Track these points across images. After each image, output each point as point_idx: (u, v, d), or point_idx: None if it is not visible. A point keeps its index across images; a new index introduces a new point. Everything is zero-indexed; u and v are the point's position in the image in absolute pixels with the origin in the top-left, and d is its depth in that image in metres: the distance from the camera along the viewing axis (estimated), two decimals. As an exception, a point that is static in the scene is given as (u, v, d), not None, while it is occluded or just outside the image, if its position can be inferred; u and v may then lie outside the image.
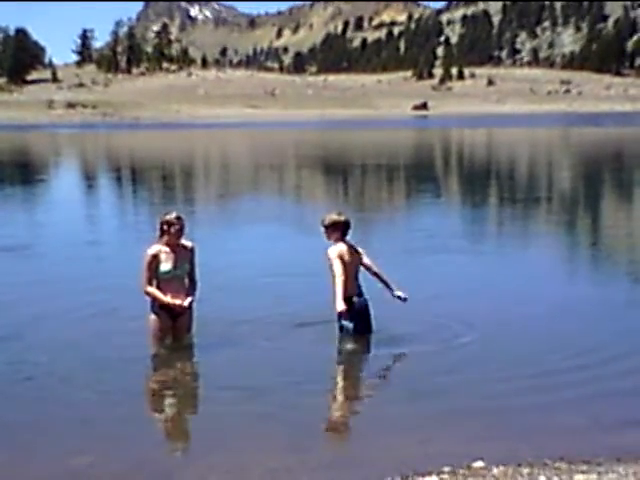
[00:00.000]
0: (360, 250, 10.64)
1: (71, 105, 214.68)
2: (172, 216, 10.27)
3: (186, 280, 10.36)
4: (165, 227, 10.21)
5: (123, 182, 42.19)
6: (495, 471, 6.64)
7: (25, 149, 76.01)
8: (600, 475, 6.52)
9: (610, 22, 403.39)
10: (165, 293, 10.16)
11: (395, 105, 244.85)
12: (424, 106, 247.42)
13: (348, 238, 10.57)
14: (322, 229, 10.55)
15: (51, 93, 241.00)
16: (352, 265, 10.40)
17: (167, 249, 10.21)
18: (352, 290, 10.38)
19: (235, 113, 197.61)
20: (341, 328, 10.43)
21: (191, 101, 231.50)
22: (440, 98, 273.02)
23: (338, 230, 10.44)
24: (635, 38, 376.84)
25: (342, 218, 10.52)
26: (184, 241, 10.37)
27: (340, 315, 10.31)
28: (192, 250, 10.44)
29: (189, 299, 10.28)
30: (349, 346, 10.36)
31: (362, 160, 54.20)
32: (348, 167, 48.65)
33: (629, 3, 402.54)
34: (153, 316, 10.29)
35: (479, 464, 6.79)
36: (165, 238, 10.22)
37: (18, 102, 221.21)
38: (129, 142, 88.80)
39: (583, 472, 6.61)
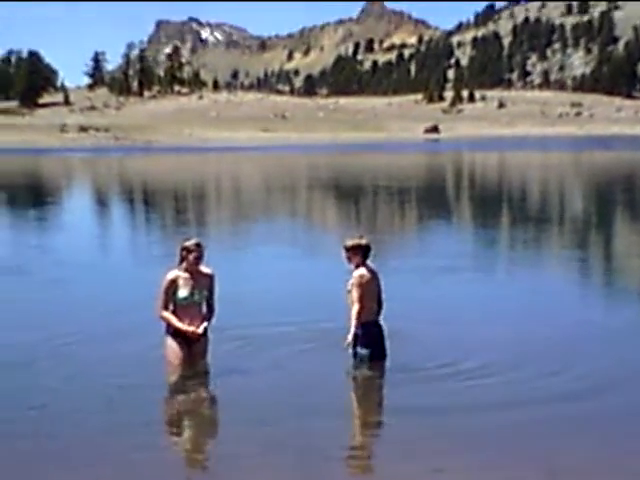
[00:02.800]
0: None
1: (83, 128, 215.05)
2: (191, 242, 10.35)
3: (204, 307, 10.43)
4: (184, 253, 10.28)
5: (136, 206, 42.24)
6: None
7: (37, 173, 76.17)
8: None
9: (621, 44, 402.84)
10: (181, 319, 10.21)
11: (406, 128, 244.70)
12: (435, 129, 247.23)
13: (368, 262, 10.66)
14: (343, 252, 10.63)
15: (63, 116, 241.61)
16: (371, 291, 10.48)
17: (186, 275, 10.28)
18: (370, 316, 10.45)
19: (246, 136, 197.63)
20: (355, 354, 10.50)
21: (203, 124, 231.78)
22: (451, 121, 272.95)
23: (359, 254, 10.51)
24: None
25: (363, 242, 10.59)
26: (203, 268, 10.44)
27: (355, 342, 10.39)
28: (211, 277, 10.50)
29: (203, 325, 10.31)
30: (363, 372, 10.39)
31: (375, 184, 54.18)
32: (361, 191, 48.64)
33: (639, 24, 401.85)
34: (169, 341, 10.35)
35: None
36: (184, 264, 10.30)
37: (30, 125, 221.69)
38: (141, 166, 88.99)
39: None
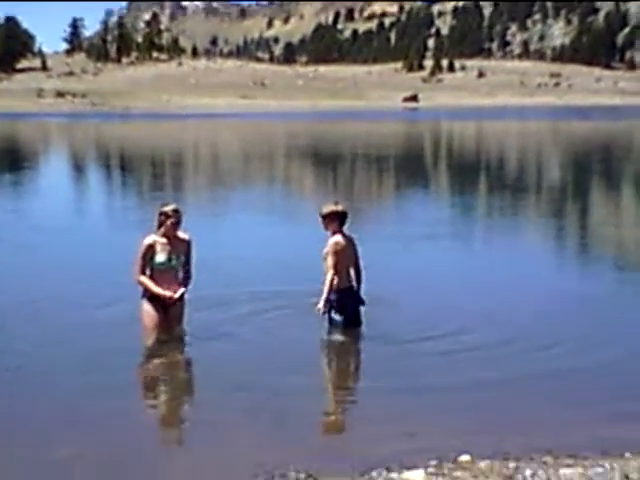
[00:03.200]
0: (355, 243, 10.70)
1: (60, 94, 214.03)
2: (169, 208, 10.28)
3: (180, 272, 10.39)
4: (162, 218, 10.22)
5: (113, 172, 42.09)
6: (481, 465, 6.66)
7: (13, 138, 75.76)
8: (586, 469, 6.55)
9: (601, 15, 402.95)
10: (158, 284, 10.17)
11: (385, 97, 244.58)
12: (414, 98, 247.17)
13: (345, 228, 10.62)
14: (320, 219, 10.56)
15: (40, 82, 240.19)
16: (347, 258, 10.45)
17: (163, 240, 10.23)
18: (345, 282, 10.43)
19: (225, 103, 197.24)
20: (330, 320, 10.47)
21: (181, 91, 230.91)
22: (430, 90, 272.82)
23: (336, 220, 10.46)
24: (625, 31, 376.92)
25: (339, 208, 10.54)
26: (181, 233, 10.39)
27: (330, 307, 10.36)
28: (189, 243, 10.45)
29: (180, 291, 10.29)
30: (338, 338, 10.37)
31: (353, 152, 54.12)
32: (339, 159, 48.62)
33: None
34: (145, 306, 10.30)
35: (465, 458, 6.81)
36: (162, 229, 10.24)
37: (7, 90, 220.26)
38: (119, 132, 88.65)
39: (569, 466, 6.64)
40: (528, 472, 6.50)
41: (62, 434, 7.66)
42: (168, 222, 10.21)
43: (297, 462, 6.68)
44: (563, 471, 6.53)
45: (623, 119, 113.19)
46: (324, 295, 10.28)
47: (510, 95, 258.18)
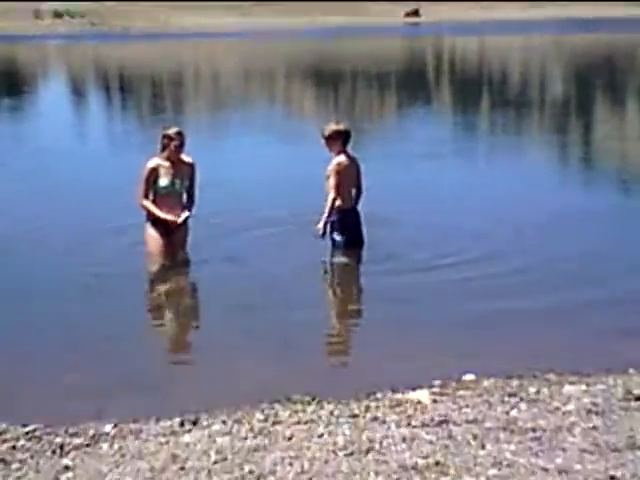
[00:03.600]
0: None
1: (58, 14, 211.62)
2: (173, 130, 10.26)
3: (184, 196, 10.38)
4: (166, 141, 10.18)
5: (113, 94, 41.81)
6: (485, 383, 6.71)
7: (10, 60, 75.11)
8: (589, 386, 6.60)
9: None
10: (161, 208, 10.16)
11: (386, 11, 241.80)
12: (416, 13, 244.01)
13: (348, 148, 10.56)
14: (322, 140, 10.50)
15: (38, 2, 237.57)
16: (350, 178, 10.41)
17: (167, 163, 10.20)
18: (348, 203, 10.41)
19: (225, 22, 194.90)
20: (333, 241, 10.47)
21: (180, 10, 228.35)
22: (432, 4, 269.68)
23: (339, 140, 10.39)
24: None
25: (342, 127, 10.48)
26: (184, 156, 10.35)
27: (332, 228, 10.36)
28: (192, 166, 10.42)
29: (184, 215, 10.26)
30: (340, 259, 10.40)
31: (353, 70, 53.64)
32: (339, 77, 48.16)
33: None
34: (149, 230, 10.30)
35: (469, 377, 6.86)
36: (165, 152, 10.20)
37: (4, 12, 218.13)
38: (118, 53, 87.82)
39: (572, 383, 6.69)
40: (532, 390, 6.55)
41: (67, 359, 7.71)
42: (172, 145, 10.18)
43: (301, 385, 6.72)
44: (566, 388, 6.58)
45: (627, 32, 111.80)
46: (324, 216, 10.25)
47: (511, 8, 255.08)
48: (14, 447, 5.68)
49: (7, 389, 7.06)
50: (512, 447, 5.46)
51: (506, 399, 6.36)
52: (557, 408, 6.15)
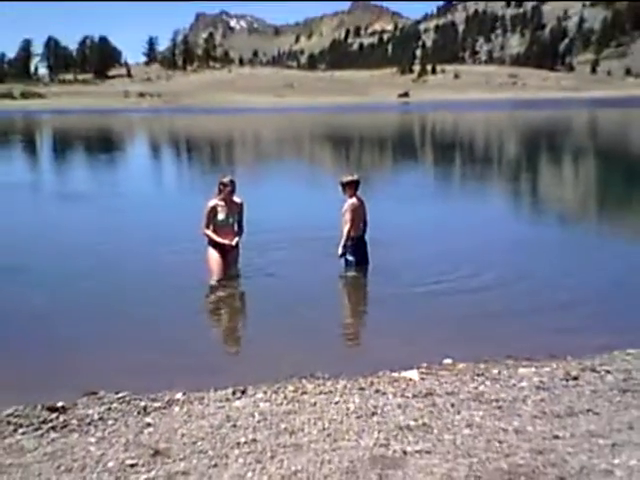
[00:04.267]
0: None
1: (141, 94, 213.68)
2: (227, 179, 10.40)
3: (236, 226, 10.46)
4: (221, 187, 10.34)
5: (181, 151, 42.08)
6: (460, 366, 6.69)
7: (106, 127, 75.75)
8: (537, 369, 6.57)
9: (547, 30, 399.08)
10: (219, 235, 10.29)
11: (385, 94, 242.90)
12: (406, 94, 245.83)
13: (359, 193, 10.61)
14: (340, 187, 10.57)
15: (126, 85, 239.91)
16: (360, 214, 10.49)
17: (222, 203, 10.32)
18: (358, 232, 10.48)
19: (265, 101, 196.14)
20: (345, 260, 10.50)
21: (231, 91, 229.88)
22: (418, 88, 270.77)
23: (352, 187, 10.50)
24: (565, 42, 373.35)
25: (355, 178, 10.59)
26: (236, 198, 10.46)
27: (345, 251, 10.41)
28: (241, 205, 10.52)
29: (236, 239, 10.38)
30: (351, 274, 10.40)
31: (360, 134, 53.95)
32: (350, 139, 48.43)
33: (561, 15, 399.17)
34: (209, 252, 10.38)
35: (448, 361, 6.85)
36: (221, 195, 10.33)
37: (101, 92, 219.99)
38: (185, 123, 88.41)
39: (525, 367, 6.66)
40: (494, 371, 6.53)
41: (148, 344, 7.72)
42: (226, 190, 10.32)
43: (322, 366, 6.72)
44: (521, 370, 6.55)
45: (564, 109, 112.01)
46: (342, 242, 10.36)
47: (479, 92, 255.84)
48: (109, 409, 5.69)
49: (104, 365, 7.09)
50: (480, 413, 5.45)
51: (475, 378, 6.34)
52: (514, 385, 6.13)
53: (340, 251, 10.41)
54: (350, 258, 10.47)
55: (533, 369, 6.58)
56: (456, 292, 9.53)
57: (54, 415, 5.50)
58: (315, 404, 5.69)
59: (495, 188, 22.50)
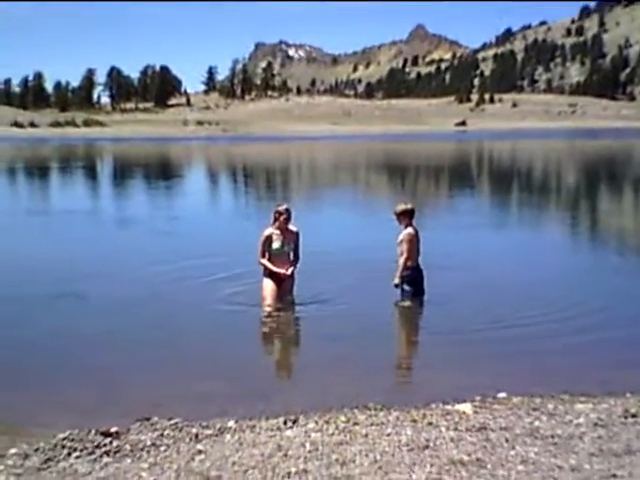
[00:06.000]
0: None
1: (200, 123, 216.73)
2: (282, 207, 10.44)
3: (291, 255, 10.48)
4: (277, 215, 10.38)
5: (239, 179, 42.47)
6: (514, 400, 6.60)
7: (166, 155, 76.97)
8: (595, 405, 6.44)
9: (608, 59, 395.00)
10: (274, 264, 10.33)
11: (442, 123, 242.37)
12: (464, 123, 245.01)
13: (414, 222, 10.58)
14: (394, 216, 10.54)
15: (185, 114, 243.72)
16: (415, 244, 10.43)
17: (278, 232, 10.37)
18: (414, 262, 10.41)
19: (321, 129, 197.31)
20: (401, 290, 10.43)
21: (289, 120, 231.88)
22: (476, 117, 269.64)
23: (407, 216, 10.46)
24: (627, 71, 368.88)
25: (409, 207, 10.53)
26: (291, 226, 10.49)
27: (402, 281, 10.34)
28: (297, 234, 10.55)
29: (291, 269, 10.43)
30: (406, 304, 10.32)
31: (417, 163, 53.87)
32: (407, 168, 48.37)
33: (622, 43, 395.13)
34: (265, 281, 10.43)
35: (502, 395, 6.75)
36: (277, 224, 10.38)
37: (161, 121, 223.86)
38: (243, 151, 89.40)
39: (582, 402, 6.53)
40: (550, 406, 6.42)
41: (202, 372, 7.73)
42: (281, 218, 10.35)
43: (375, 396, 6.68)
44: (577, 406, 6.43)
45: (624, 139, 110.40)
46: (399, 272, 10.30)
47: (537, 121, 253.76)
48: (162, 435, 5.72)
49: (157, 391, 7.15)
50: (535, 449, 5.35)
51: (531, 412, 6.24)
52: (570, 421, 6.01)
53: (396, 281, 10.35)
54: (407, 288, 10.40)
55: (590, 405, 6.44)
56: (511, 325, 9.39)
57: (107, 440, 5.56)
58: (367, 435, 5.64)
59: (553, 217, 22.22)
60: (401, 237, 10.37)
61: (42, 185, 37.98)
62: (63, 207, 25.64)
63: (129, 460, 5.25)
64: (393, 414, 6.17)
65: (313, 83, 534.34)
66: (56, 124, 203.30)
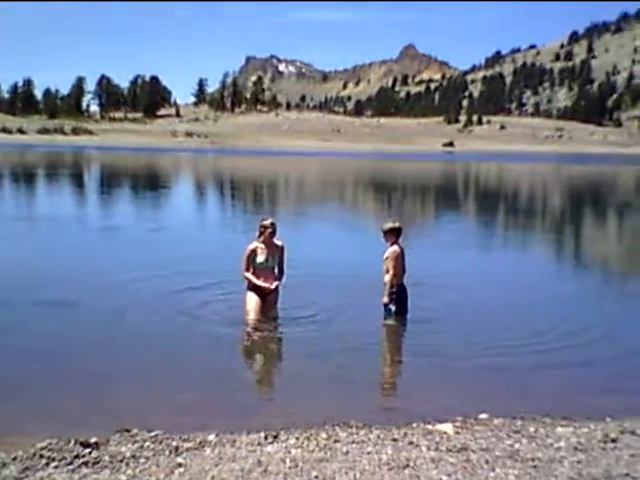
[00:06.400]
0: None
1: (189, 134, 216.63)
2: (268, 222, 10.45)
3: (276, 269, 10.48)
4: (262, 229, 10.39)
5: (224, 192, 42.42)
6: (496, 422, 6.60)
7: (155, 165, 76.85)
8: (575, 429, 6.46)
9: (595, 85, 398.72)
10: (258, 278, 10.34)
11: (429, 143, 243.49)
12: (451, 144, 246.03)
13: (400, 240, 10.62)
14: (381, 233, 10.57)
15: (174, 125, 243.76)
16: (400, 262, 10.44)
17: (262, 246, 10.39)
18: (399, 280, 10.44)
19: (310, 145, 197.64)
20: (387, 309, 10.43)
21: (277, 134, 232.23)
22: (464, 138, 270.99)
23: (394, 234, 10.50)
24: (614, 97, 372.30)
25: (397, 225, 10.57)
26: (276, 240, 10.50)
27: (390, 300, 10.36)
28: (282, 248, 10.57)
29: (275, 283, 10.44)
30: (390, 322, 10.33)
31: (404, 182, 54.02)
32: (394, 187, 48.47)
33: (610, 70, 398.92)
34: (248, 295, 10.42)
35: (484, 416, 6.75)
36: (262, 237, 10.39)
37: (150, 131, 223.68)
38: (230, 164, 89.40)
39: (562, 426, 6.55)
40: (531, 429, 6.43)
41: (180, 384, 7.68)
42: (266, 232, 10.37)
43: (356, 414, 6.67)
44: (558, 429, 6.44)
45: (610, 164, 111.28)
46: (387, 291, 10.32)
47: (524, 144, 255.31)
48: (142, 446, 5.70)
49: (138, 402, 7.11)
50: (515, 472, 5.36)
51: (512, 434, 6.25)
52: (551, 444, 6.03)
53: (386, 300, 10.37)
54: (391, 307, 10.42)
55: (571, 429, 6.46)
56: (494, 346, 9.38)
57: (87, 450, 5.53)
58: (347, 453, 5.64)
59: (538, 240, 22.30)
60: (387, 254, 10.41)
61: (26, 191, 37.79)
62: (45, 214, 25.49)
63: (108, 471, 5.22)
64: (374, 432, 6.17)
65: (303, 99, 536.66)
66: (44, 131, 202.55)
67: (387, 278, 10.33)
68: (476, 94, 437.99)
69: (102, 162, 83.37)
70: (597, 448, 5.95)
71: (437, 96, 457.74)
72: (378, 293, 10.52)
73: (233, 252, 11.65)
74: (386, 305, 10.41)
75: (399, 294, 10.43)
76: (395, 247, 10.45)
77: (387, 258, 10.38)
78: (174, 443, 5.77)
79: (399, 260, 10.40)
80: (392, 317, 10.39)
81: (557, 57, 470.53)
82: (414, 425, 6.42)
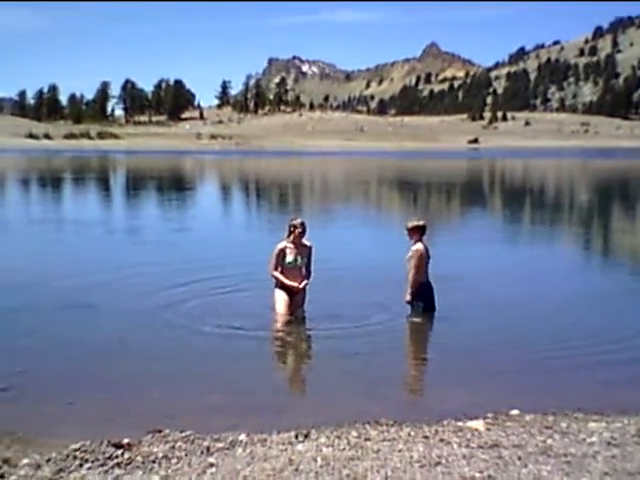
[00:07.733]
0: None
1: (213, 137, 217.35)
2: (297, 221, 10.49)
3: (304, 269, 10.50)
4: (292, 229, 10.42)
5: (251, 192, 42.52)
6: (527, 418, 6.55)
7: (179, 168, 77.17)
8: (608, 424, 6.39)
9: (621, 79, 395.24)
10: (287, 277, 10.37)
11: (454, 140, 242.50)
12: (476, 141, 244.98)
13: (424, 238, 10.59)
14: (405, 231, 10.53)
15: (199, 128, 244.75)
16: (425, 260, 10.41)
17: (291, 245, 10.42)
18: (424, 278, 10.40)
19: (334, 144, 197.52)
20: (413, 307, 10.40)
21: (301, 135, 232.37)
22: (488, 135, 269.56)
23: (418, 232, 10.46)
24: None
25: (421, 223, 10.54)
26: (305, 240, 10.52)
27: (413, 297, 10.32)
28: (310, 248, 10.60)
29: (304, 282, 10.49)
30: (417, 320, 10.30)
31: (429, 180, 53.82)
32: (419, 185, 48.31)
33: (636, 64, 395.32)
34: (277, 293, 10.45)
35: (515, 412, 6.70)
36: (291, 237, 10.42)
37: (175, 134, 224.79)
38: (255, 165, 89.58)
39: (595, 421, 6.49)
40: (564, 424, 6.37)
41: (213, 386, 7.69)
42: (296, 232, 10.41)
43: (386, 412, 6.64)
44: (591, 424, 6.38)
45: (637, 158, 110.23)
46: (409, 289, 10.28)
47: (549, 139, 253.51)
48: (174, 447, 5.71)
49: (170, 403, 7.11)
50: (548, 467, 5.30)
51: (544, 430, 6.19)
52: (583, 439, 5.97)
53: (408, 298, 10.36)
54: (417, 304, 10.39)
55: (604, 424, 6.39)
56: (524, 342, 9.34)
57: (119, 452, 5.55)
58: (378, 451, 5.61)
59: (566, 236, 22.14)
60: (410, 253, 10.38)
61: (54, 195, 38.10)
62: (73, 217, 25.66)
63: (140, 472, 5.24)
64: (405, 430, 6.14)
65: (326, 99, 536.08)
66: (70, 136, 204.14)
67: (410, 276, 10.30)
68: (500, 90, 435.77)
69: (128, 165, 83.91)
70: (631, 443, 5.88)
71: (461, 94, 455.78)
72: (404, 291, 10.48)
73: (261, 253, 11.66)
74: (409, 303, 10.38)
75: (424, 291, 10.39)
76: (419, 245, 10.41)
77: (410, 257, 10.35)
78: (205, 443, 5.78)
79: (422, 258, 10.36)
80: (419, 314, 10.36)
81: (581, 52, 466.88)
82: (445, 422, 6.39)
